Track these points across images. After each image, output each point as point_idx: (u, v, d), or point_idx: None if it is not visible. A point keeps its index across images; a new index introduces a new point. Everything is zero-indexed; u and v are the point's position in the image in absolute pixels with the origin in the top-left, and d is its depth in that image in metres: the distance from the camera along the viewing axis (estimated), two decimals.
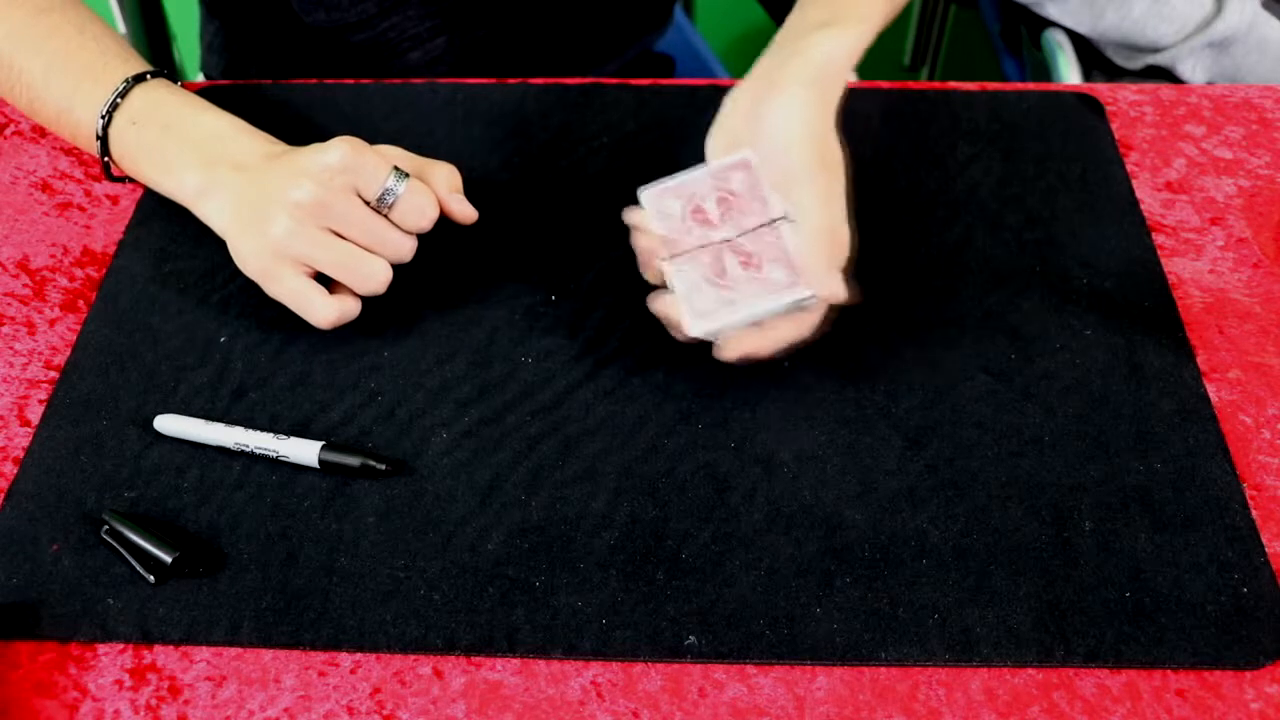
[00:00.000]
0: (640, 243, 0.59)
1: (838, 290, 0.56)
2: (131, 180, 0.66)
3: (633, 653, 0.50)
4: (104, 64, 0.64)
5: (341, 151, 0.58)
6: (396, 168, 0.60)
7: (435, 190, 0.61)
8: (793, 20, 0.61)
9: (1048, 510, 0.55)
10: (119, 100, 0.63)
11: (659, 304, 0.58)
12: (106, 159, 0.65)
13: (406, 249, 0.61)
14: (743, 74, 0.60)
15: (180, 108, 0.64)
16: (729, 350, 0.57)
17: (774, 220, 0.57)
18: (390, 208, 0.60)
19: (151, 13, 1.08)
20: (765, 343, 0.57)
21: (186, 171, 0.62)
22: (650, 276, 0.60)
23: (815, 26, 0.59)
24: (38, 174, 0.72)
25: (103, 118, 0.63)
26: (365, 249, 0.59)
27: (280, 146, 0.62)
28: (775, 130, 0.57)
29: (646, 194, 0.59)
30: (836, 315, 0.58)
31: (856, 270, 0.57)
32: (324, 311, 0.59)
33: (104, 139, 0.64)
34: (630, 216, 0.60)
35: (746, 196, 0.58)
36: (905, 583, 0.52)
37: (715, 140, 0.60)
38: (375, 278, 0.60)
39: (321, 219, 0.58)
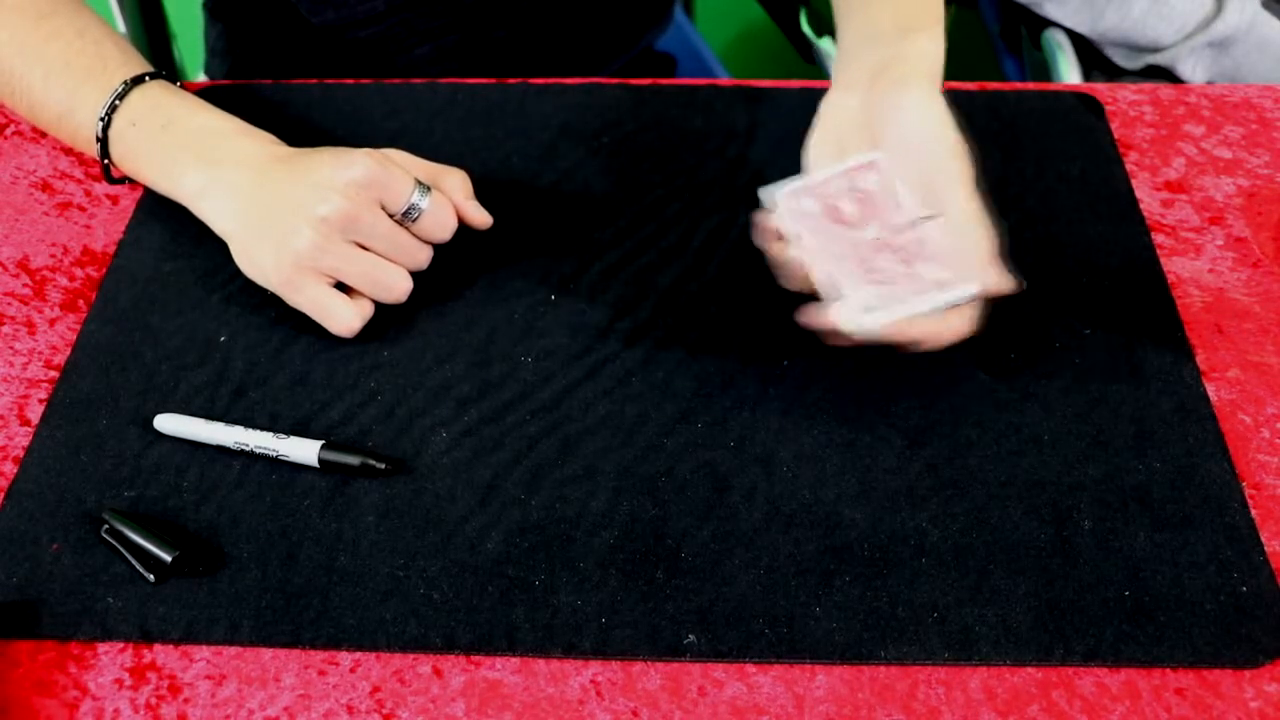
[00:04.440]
0: (780, 250, 0.57)
1: (1001, 281, 0.54)
2: (131, 181, 0.67)
3: (632, 651, 0.50)
4: (103, 67, 0.64)
5: (367, 166, 0.59)
6: (419, 181, 0.60)
7: (452, 199, 0.62)
8: (860, 22, 0.61)
9: (1047, 509, 0.55)
10: (118, 102, 0.63)
11: (814, 315, 0.56)
12: (106, 161, 0.65)
13: (424, 258, 0.62)
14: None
15: (179, 108, 0.64)
16: (895, 332, 0.54)
17: (925, 218, 0.55)
18: (414, 221, 0.60)
19: (151, 13, 1.08)
20: (930, 332, 0.55)
21: (187, 171, 0.62)
22: (792, 284, 0.58)
23: (900, 31, 0.59)
24: (38, 174, 0.72)
25: (102, 120, 0.63)
26: (387, 259, 0.60)
27: (283, 147, 0.63)
28: (909, 129, 0.56)
29: (778, 194, 0.57)
30: (991, 309, 0.57)
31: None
32: (347, 319, 0.60)
33: (104, 141, 0.64)
34: (765, 220, 0.58)
35: (881, 197, 0.57)
36: (905, 582, 0.52)
37: (820, 148, 0.59)
38: (397, 288, 0.61)
39: (347, 233, 0.59)
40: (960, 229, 0.55)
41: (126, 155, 0.64)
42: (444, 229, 0.61)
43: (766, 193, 0.58)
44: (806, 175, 0.58)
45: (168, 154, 0.63)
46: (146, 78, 0.65)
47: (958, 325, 0.55)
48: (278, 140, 0.63)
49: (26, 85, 0.65)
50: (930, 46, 0.58)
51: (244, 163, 0.61)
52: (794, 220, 0.57)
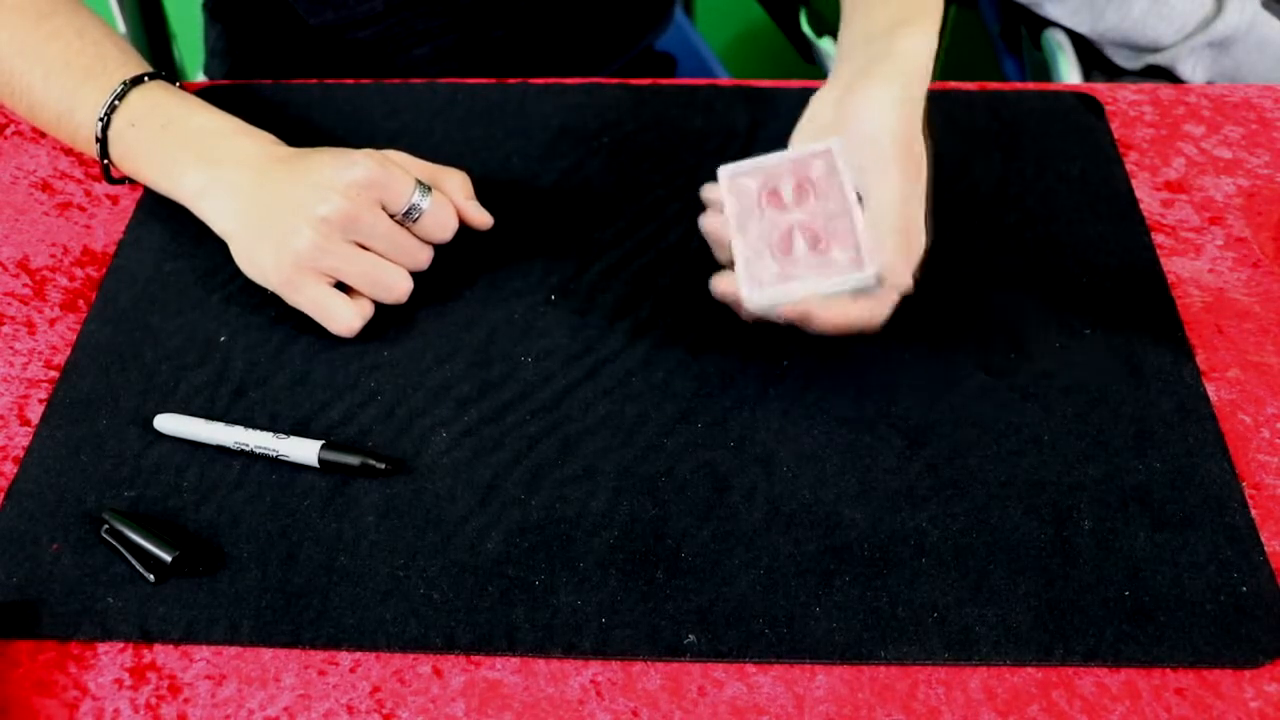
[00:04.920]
0: (710, 222, 0.59)
1: (903, 278, 0.55)
2: (131, 181, 0.66)
3: (632, 651, 0.50)
4: (102, 67, 0.64)
5: (368, 167, 0.59)
6: (419, 181, 0.60)
7: (453, 199, 0.62)
8: (860, 22, 0.62)
9: (1047, 509, 0.55)
10: (117, 102, 0.63)
11: (722, 283, 0.58)
12: (106, 161, 0.65)
13: (424, 259, 0.62)
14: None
15: (178, 108, 0.64)
16: (790, 308, 0.56)
17: (856, 208, 0.56)
18: (415, 221, 0.60)
19: (151, 13, 1.08)
20: (829, 315, 0.56)
21: (186, 171, 0.62)
22: (720, 255, 0.60)
23: (892, 25, 0.59)
24: (38, 174, 0.72)
25: (101, 120, 0.63)
26: (387, 260, 0.60)
27: (283, 147, 0.63)
28: (862, 122, 0.57)
29: (724, 171, 0.60)
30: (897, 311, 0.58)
31: None
32: (347, 319, 0.60)
33: (103, 141, 0.64)
34: (707, 193, 0.60)
35: (824, 184, 0.58)
36: (905, 582, 0.52)
37: (800, 136, 0.61)
38: (398, 288, 0.61)
39: (348, 233, 0.59)
40: (875, 218, 0.56)
41: (126, 155, 0.64)
42: (444, 229, 0.61)
43: (721, 169, 0.60)
44: (760, 157, 0.60)
45: (167, 154, 0.63)
46: (146, 78, 0.65)
47: (860, 313, 0.56)
48: (278, 140, 0.63)
49: (26, 85, 0.65)
50: (917, 44, 0.59)
51: (244, 163, 0.61)
52: (730, 196, 0.59)
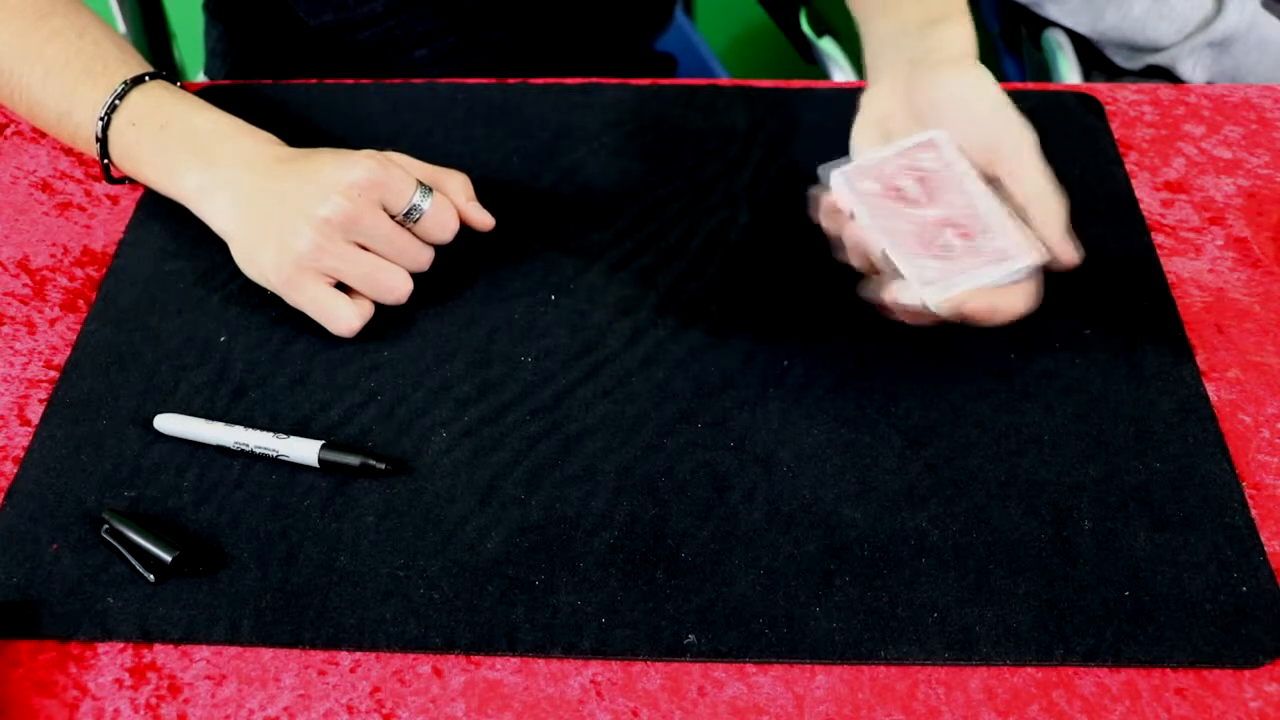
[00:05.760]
0: (849, 231, 0.57)
1: (1067, 252, 0.55)
2: (132, 181, 0.66)
3: (632, 651, 0.50)
4: (103, 67, 0.64)
5: (368, 168, 0.59)
6: (420, 182, 0.60)
7: (454, 201, 0.62)
8: (889, 20, 0.61)
9: (1047, 509, 0.55)
10: (117, 102, 0.63)
11: (876, 291, 0.57)
12: (106, 161, 0.65)
13: (425, 259, 0.62)
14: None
15: (178, 107, 0.64)
16: (973, 301, 0.55)
17: (988, 193, 0.56)
18: (415, 223, 0.60)
19: (151, 13, 1.08)
20: (1006, 305, 0.55)
21: (187, 171, 0.62)
22: (856, 261, 0.59)
23: (929, 22, 0.59)
24: (38, 174, 0.72)
25: (101, 120, 0.63)
26: (388, 260, 0.60)
27: (284, 147, 0.63)
28: (969, 104, 0.57)
29: (836, 175, 0.58)
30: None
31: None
32: (348, 319, 0.60)
33: (103, 141, 0.64)
34: (824, 196, 0.58)
35: (944, 174, 0.57)
36: (905, 582, 0.52)
37: (865, 136, 0.60)
38: (398, 289, 0.61)
39: (348, 234, 0.59)
40: (1030, 198, 0.55)
41: (126, 155, 0.64)
42: (445, 230, 0.62)
43: (825, 170, 0.58)
44: (860, 157, 0.59)
45: (167, 154, 0.63)
46: (146, 78, 0.65)
47: (1016, 301, 0.55)
48: (278, 140, 0.63)
49: (26, 85, 0.65)
50: (962, 32, 0.59)
51: (244, 163, 0.61)
52: (855, 199, 0.57)
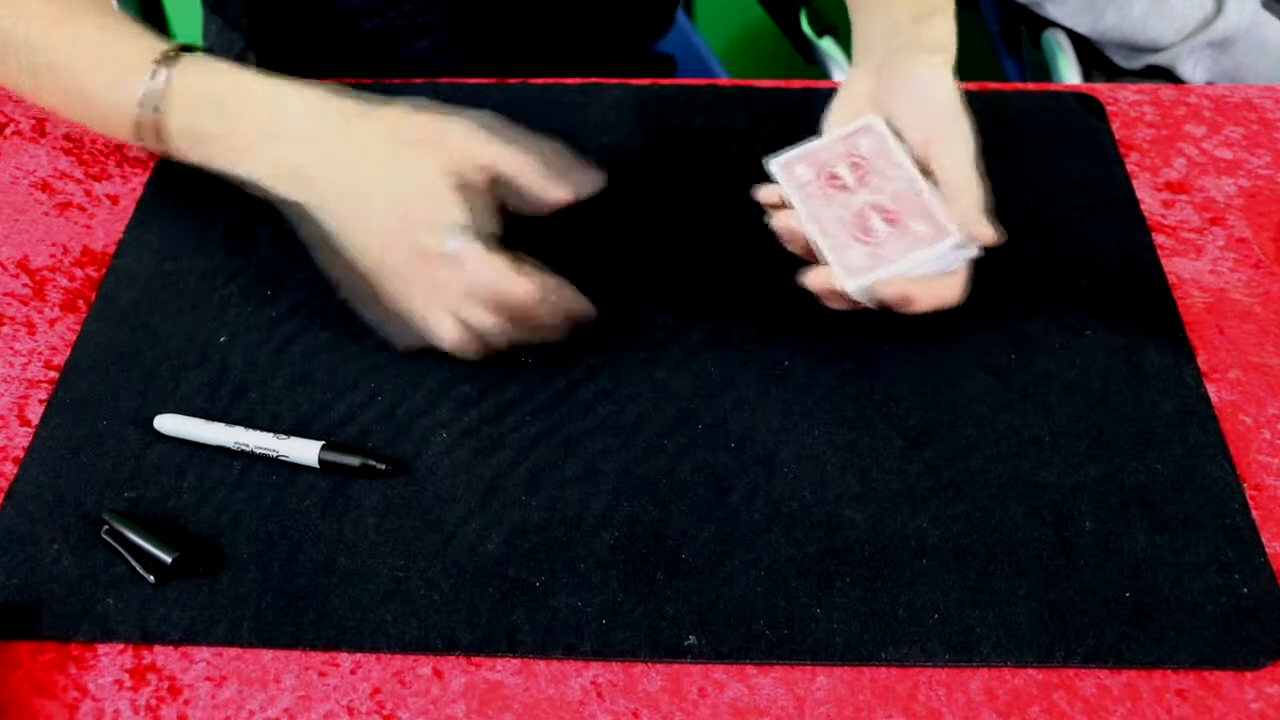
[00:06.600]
0: (781, 221, 0.60)
1: (988, 232, 0.56)
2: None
3: (633, 653, 0.50)
4: (138, 55, 0.61)
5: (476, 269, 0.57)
6: (461, 223, 0.57)
7: (519, 183, 0.59)
8: (879, 17, 0.62)
9: (1048, 510, 0.55)
10: (163, 88, 0.60)
11: (809, 278, 0.58)
12: (164, 150, 0.62)
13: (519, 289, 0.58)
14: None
15: (228, 86, 0.60)
16: (887, 289, 0.56)
17: (919, 177, 0.58)
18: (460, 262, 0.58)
19: (152, 13, 1.08)
20: (924, 293, 0.57)
21: (247, 154, 0.59)
22: (794, 249, 0.60)
23: (915, 17, 0.60)
24: (38, 174, 0.72)
25: (149, 107, 0.60)
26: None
27: (339, 115, 0.59)
28: (918, 94, 0.58)
29: (775, 163, 0.60)
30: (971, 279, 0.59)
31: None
32: (451, 335, 0.59)
33: (156, 130, 0.61)
34: (764, 194, 0.61)
35: (878, 160, 0.59)
36: (905, 583, 0.52)
37: (835, 120, 0.61)
38: (557, 325, 0.60)
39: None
40: (950, 184, 0.57)
41: (188, 148, 0.61)
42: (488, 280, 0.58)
43: (767, 161, 0.61)
44: (801, 144, 0.61)
45: (227, 139, 0.60)
46: (183, 56, 0.61)
47: (938, 291, 0.57)
48: (334, 97, 0.60)
49: (59, 80, 0.62)
50: (943, 25, 0.60)
51: (313, 139, 0.59)
52: (791, 187, 0.59)
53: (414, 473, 0.56)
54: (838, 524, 0.54)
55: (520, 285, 0.57)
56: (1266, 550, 0.53)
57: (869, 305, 0.58)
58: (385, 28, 0.85)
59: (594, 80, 0.77)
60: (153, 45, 0.62)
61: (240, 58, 0.95)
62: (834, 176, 0.59)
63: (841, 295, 0.57)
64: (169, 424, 0.58)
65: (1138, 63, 1.04)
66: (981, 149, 0.58)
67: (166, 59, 0.61)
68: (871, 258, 0.56)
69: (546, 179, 0.60)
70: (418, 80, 0.77)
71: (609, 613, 0.51)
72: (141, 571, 0.53)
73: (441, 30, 0.86)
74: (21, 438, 0.58)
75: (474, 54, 0.88)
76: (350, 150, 0.58)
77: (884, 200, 0.58)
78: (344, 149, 0.58)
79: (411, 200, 0.57)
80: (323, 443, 0.56)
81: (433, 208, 0.57)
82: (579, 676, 0.50)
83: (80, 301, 0.64)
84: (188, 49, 0.62)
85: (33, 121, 0.75)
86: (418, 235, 0.57)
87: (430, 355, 0.61)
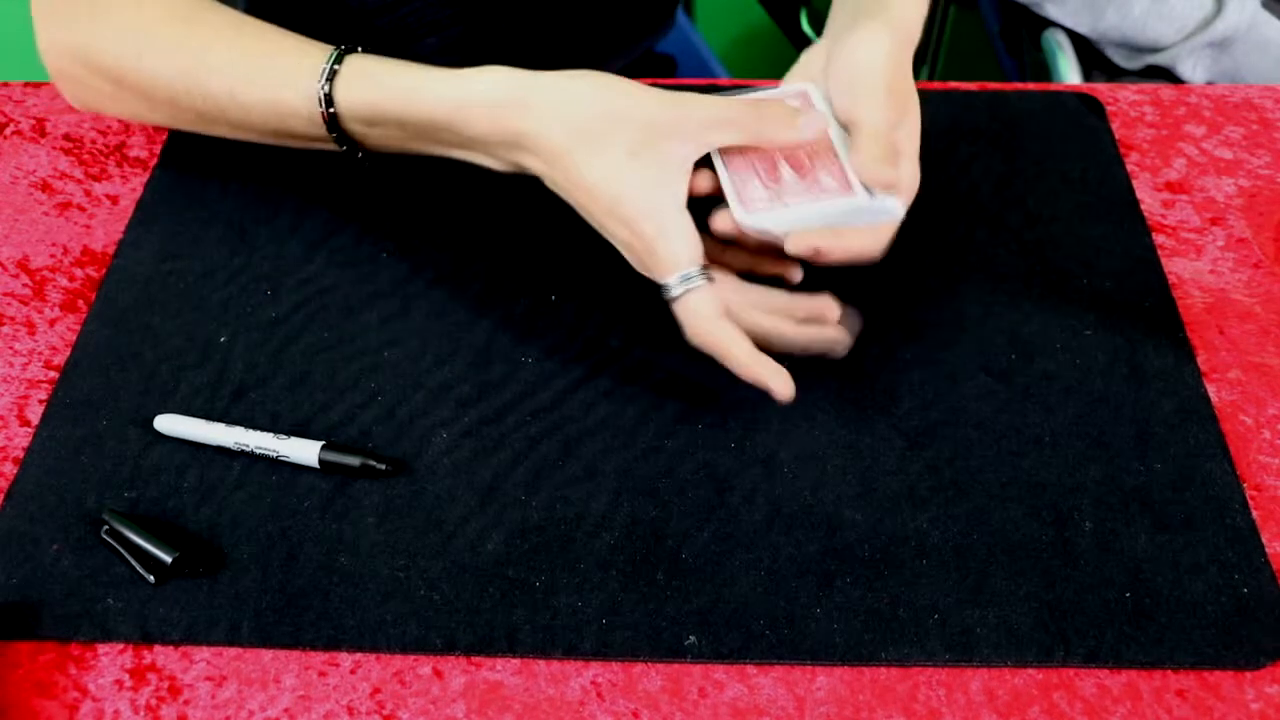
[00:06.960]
0: (699, 182, 0.58)
1: (886, 175, 0.55)
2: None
3: (633, 653, 0.50)
4: (297, 64, 0.62)
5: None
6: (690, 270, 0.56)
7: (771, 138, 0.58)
8: (846, 5, 0.62)
9: (1048, 510, 0.55)
10: (332, 94, 0.60)
11: (719, 220, 0.57)
12: (360, 155, 0.62)
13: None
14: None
15: (393, 99, 0.59)
16: (796, 242, 0.55)
17: (838, 140, 0.57)
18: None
19: None
20: (836, 244, 0.55)
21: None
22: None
23: (879, 3, 0.60)
24: (38, 174, 0.72)
25: (334, 135, 0.61)
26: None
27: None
28: (851, 62, 0.58)
29: None
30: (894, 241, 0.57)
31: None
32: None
33: (348, 143, 0.61)
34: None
35: None
36: (905, 583, 0.52)
37: (788, 82, 0.61)
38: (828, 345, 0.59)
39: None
40: (863, 141, 0.56)
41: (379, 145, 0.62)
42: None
43: None
44: (740, 97, 0.60)
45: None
46: (341, 58, 0.61)
47: (862, 239, 0.56)
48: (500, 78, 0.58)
49: (225, 102, 0.63)
50: (902, 10, 0.60)
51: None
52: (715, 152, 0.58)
53: (414, 473, 0.56)
54: (838, 524, 0.54)
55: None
56: (1266, 550, 0.53)
57: (786, 251, 0.56)
58: (397, 25, 0.86)
59: None
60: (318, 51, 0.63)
61: None
62: None
63: (734, 232, 0.56)
64: (169, 424, 0.58)
65: (1138, 63, 1.04)
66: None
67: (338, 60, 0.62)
68: (771, 199, 0.56)
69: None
70: None
71: (609, 613, 0.51)
72: (141, 571, 0.53)
73: (450, 27, 0.87)
74: (21, 438, 0.58)
75: (480, 51, 0.88)
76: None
77: (799, 153, 0.57)
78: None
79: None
80: (323, 443, 0.56)
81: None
82: (579, 676, 0.50)
83: (80, 301, 0.64)
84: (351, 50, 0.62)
85: (33, 122, 0.75)
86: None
87: (429, 355, 0.61)
